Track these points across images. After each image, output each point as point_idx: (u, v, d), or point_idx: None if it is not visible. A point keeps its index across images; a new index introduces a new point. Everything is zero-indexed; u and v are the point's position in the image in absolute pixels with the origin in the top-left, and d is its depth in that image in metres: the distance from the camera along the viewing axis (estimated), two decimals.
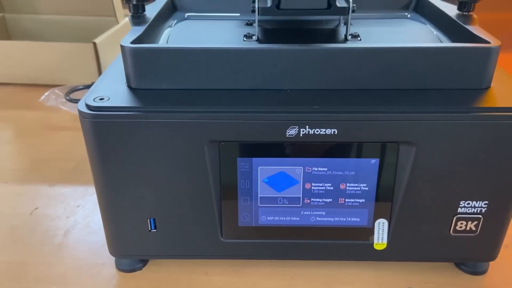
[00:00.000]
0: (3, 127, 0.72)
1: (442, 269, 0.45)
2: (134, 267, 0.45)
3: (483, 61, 0.37)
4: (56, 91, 0.79)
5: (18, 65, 0.83)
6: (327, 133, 0.37)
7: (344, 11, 0.41)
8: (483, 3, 0.46)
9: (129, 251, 0.44)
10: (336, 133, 0.37)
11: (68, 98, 0.77)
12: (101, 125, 0.37)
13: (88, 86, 0.81)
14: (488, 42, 0.38)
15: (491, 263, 0.46)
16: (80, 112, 0.37)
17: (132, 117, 0.36)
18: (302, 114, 0.36)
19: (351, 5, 0.41)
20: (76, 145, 0.67)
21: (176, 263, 0.46)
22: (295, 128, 0.37)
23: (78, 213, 0.53)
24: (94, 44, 0.80)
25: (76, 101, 0.77)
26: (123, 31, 0.92)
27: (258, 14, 0.41)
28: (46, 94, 0.79)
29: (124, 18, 0.96)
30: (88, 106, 0.36)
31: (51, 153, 0.65)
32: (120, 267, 0.45)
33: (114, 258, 0.46)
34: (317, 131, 0.37)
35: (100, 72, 0.82)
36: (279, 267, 0.45)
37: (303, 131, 0.37)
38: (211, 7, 0.54)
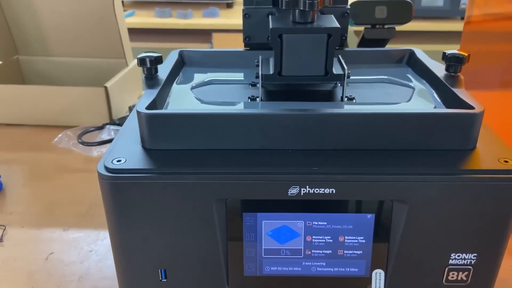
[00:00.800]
0: (18, 169, 0.76)
1: None
2: None
3: (468, 125, 0.41)
4: (68, 133, 0.83)
5: (33, 108, 0.88)
6: (325, 192, 0.40)
7: (340, 77, 0.45)
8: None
9: None
10: (334, 192, 0.40)
11: (80, 141, 0.81)
12: (119, 186, 0.40)
13: (99, 128, 0.85)
14: (473, 108, 0.41)
15: None
16: (100, 175, 0.40)
17: (147, 178, 0.40)
18: (302, 175, 0.39)
19: (346, 72, 0.45)
20: (87, 188, 0.70)
21: None
22: (297, 187, 0.40)
23: (91, 258, 0.56)
24: (105, 88, 0.85)
25: (87, 144, 0.80)
26: (132, 74, 0.96)
27: (262, 80, 0.45)
28: (59, 136, 0.83)
29: (133, 60, 1.00)
30: (107, 169, 0.40)
31: (64, 196, 0.69)
32: None
33: None
34: (317, 190, 0.40)
35: (110, 114, 0.86)
36: None
37: (303, 190, 0.40)
38: (215, 62, 0.59)
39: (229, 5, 2.22)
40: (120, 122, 0.85)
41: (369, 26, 0.63)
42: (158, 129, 0.41)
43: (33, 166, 0.77)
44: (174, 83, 0.53)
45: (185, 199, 0.40)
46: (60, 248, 0.58)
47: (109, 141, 0.80)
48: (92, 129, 0.85)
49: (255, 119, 0.41)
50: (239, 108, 0.47)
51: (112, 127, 0.83)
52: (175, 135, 0.41)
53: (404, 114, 0.41)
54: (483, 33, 0.71)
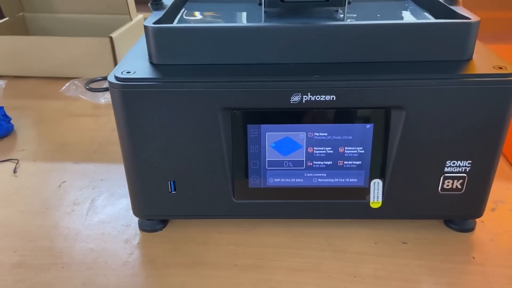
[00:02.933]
0: (28, 114, 0.78)
1: (432, 227, 0.50)
2: (155, 227, 0.50)
3: (464, 35, 0.42)
4: (76, 82, 0.85)
5: (39, 59, 0.89)
6: (326, 99, 0.42)
7: (341, 2, 0.46)
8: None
9: (151, 211, 0.49)
10: (334, 99, 0.42)
11: (87, 87, 0.82)
12: (127, 94, 0.42)
13: (105, 78, 0.86)
14: (469, 19, 0.43)
15: (478, 223, 0.50)
16: (110, 83, 0.42)
17: (154, 86, 0.42)
18: (304, 82, 0.41)
19: None
20: (96, 130, 0.72)
21: (193, 224, 0.51)
22: (299, 95, 0.42)
23: (103, 185, 0.58)
24: (111, 38, 0.86)
25: (95, 90, 0.82)
26: (136, 27, 0.97)
27: (265, 6, 0.46)
28: (67, 85, 0.84)
29: (137, 16, 1.01)
30: (117, 78, 0.42)
31: (74, 137, 0.71)
32: (143, 228, 0.50)
33: (137, 219, 0.51)
34: (318, 97, 0.42)
35: (116, 64, 0.88)
36: (285, 226, 0.50)
37: (305, 97, 0.42)
38: None
39: None
40: None
41: None
42: (165, 43, 0.43)
43: (42, 112, 0.79)
44: (180, 12, 0.54)
45: (191, 108, 0.42)
46: (73, 178, 0.60)
47: None
48: (99, 78, 0.87)
49: (259, 32, 0.42)
50: (243, 23, 0.48)
51: None
52: (182, 50, 0.43)
53: (402, 25, 0.42)
54: None
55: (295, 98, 0.42)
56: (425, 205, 0.47)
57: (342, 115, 0.44)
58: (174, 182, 0.47)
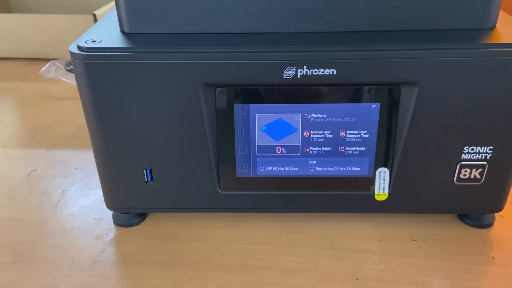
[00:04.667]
0: (4, 97, 0.72)
1: (445, 222, 0.44)
2: (131, 221, 0.45)
3: (486, 3, 0.36)
4: (57, 63, 0.79)
5: (19, 39, 0.83)
6: (325, 73, 0.36)
7: None
8: None
9: (126, 204, 0.43)
10: (335, 73, 0.36)
11: (68, 68, 0.76)
12: (92, 67, 0.36)
13: None
14: None
15: (497, 218, 0.44)
16: (72, 54, 0.36)
17: (124, 57, 0.35)
18: (299, 53, 0.35)
19: None
20: (76, 114, 0.66)
21: (174, 218, 0.45)
22: (293, 68, 0.35)
23: (77, 174, 0.53)
24: (94, 15, 0.80)
25: None
26: None
27: None
28: (46, 66, 0.78)
29: None
30: (79, 48, 0.36)
31: (51, 121, 0.65)
32: (118, 222, 0.45)
33: (111, 213, 0.45)
34: (315, 71, 0.35)
35: None
36: (279, 221, 0.44)
37: (300, 71, 0.36)
38: None
39: None
40: None
41: None
42: (137, 8, 0.37)
43: (19, 94, 0.73)
44: None
45: (167, 83, 0.36)
46: (44, 166, 0.54)
47: None
48: None
49: None
50: None
51: None
52: (157, 15, 0.37)
53: None
54: None
55: (289, 72, 0.36)
56: (438, 197, 0.41)
57: (343, 92, 0.37)
58: (150, 170, 0.41)
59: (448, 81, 0.36)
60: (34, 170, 0.53)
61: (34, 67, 0.81)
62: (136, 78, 0.36)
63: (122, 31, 0.38)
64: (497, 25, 0.37)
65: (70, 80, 0.75)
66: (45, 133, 0.61)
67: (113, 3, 0.87)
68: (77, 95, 0.70)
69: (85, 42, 0.36)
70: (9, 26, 0.82)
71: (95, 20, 0.80)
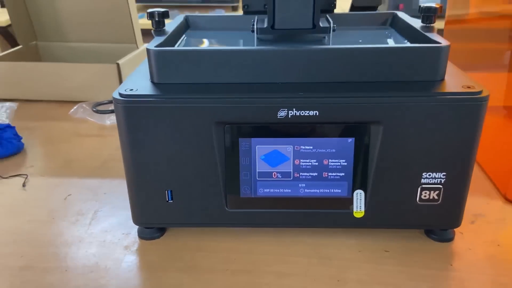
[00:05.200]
0: (38, 134, 0.82)
1: (414, 237, 0.53)
2: (153, 235, 0.54)
3: (436, 57, 0.47)
4: (84, 105, 0.90)
5: (50, 84, 0.95)
6: (310, 114, 0.46)
7: (326, 30, 0.51)
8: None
9: (150, 220, 0.52)
10: (317, 114, 0.46)
11: (94, 109, 0.87)
12: (130, 109, 0.46)
13: (111, 101, 0.91)
14: (440, 43, 0.47)
15: (457, 234, 0.53)
16: (114, 99, 0.46)
17: (154, 102, 0.46)
18: (289, 99, 0.45)
19: (331, 25, 0.51)
20: (101, 149, 0.77)
21: (188, 233, 0.54)
22: (285, 110, 0.46)
23: (106, 198, 0.62)
24: (118, 65, 0.92)
25: (101, 112, 0.87)
26: (141, 55, 1.03)
27: (257, 34, 0.51)
28: (75, 107, 0.89)
29: (143, 45, 1.08)
30: (120, 94, 0.46)
31: (80, 154, 0.75)
32: (142, 236, 0.54)
33: (136, 228, 0.54)
34: (302, 113, 0.46)
35: None
36: (275, 236, 0.53)
37: (291, 113, 0.46)
38: (217, 26, 0.65)
39: (234, 8, 2.31)
40: None
41: None
42: (165, 64, 0.48)
43: (51, 132, 0.83)
44: (180, 38, 0.59)
45: (187, 122, 0.47)
46: (77, 191, 0.64)
47: None
48: (105, 101, 0.92)
49: (251, 54, 0.47)
50: (237, 46, 0.53)
51: None
52: (180, 70, 0.48)
53: (380, 48, 0.47)
54: (459, 31, 0.78)
55: (282, 113, 0.46)
56: (405, 215, 0.50)
57: (325, 129, 0.48)
58: (171, 191, 0.50)
59: (406, 121, 0.46)
60: (69, 195, 0.63)
61: (64, 108, 0.92)
62: (163, 118, 0.46)
63: (152, 81, 0.49)
64: (445, 77, 0.48)
65: (96, 120, 0.86)
66: (76, 165, 0.72)
67: (134, 54, 0.99)
68: (102, 132, 0.81)
69: (125, 90, 0.47)
70: (42, 73, 0.94)
71: (118, 68, 0.92)
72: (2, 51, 2.17)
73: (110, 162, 0.72)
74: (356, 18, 0.65)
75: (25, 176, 0.68)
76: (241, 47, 0.50)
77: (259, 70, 0.47)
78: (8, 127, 0.76)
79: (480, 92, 0.45)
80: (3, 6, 2.14)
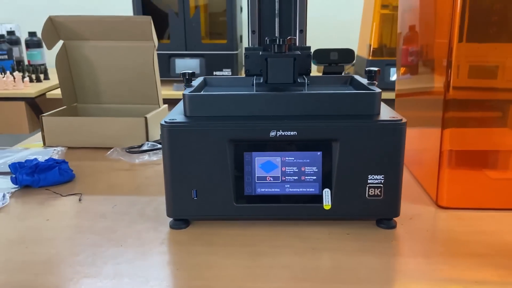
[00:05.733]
0: (82, 169, 1.05)
1: (368, 226, 0.74)
2: (180, 226, 0.75)
3: (372, 99, 0.71)
4: (118, 149, 1.14)
5: (90, 134, 1.19)
6: (291, 134, 0.69)
7: (302, 84, 0.77)
8: None
9: (180, 212, 0.74)
10: (296, 134, 0.69)
11: (127, 150, 1.11)
12: (171, 131, 0.70)
13: (139, 146, 1.15)
14: (375, 91, 0.72)
15: (398, 225, 0.74)
16: (161, 125, 0.70)
17: (186, 126, 0.70)
18: (277, 123, 0.69)
19: (306, 81, 0.77)
20: (134, 178, 0.99)
21: (206, 225, 0.75)
22: (274, 131, 0.70)
23: (144, 206, 0.83)
24: (145, 118, 1.17)
25: (133, 152, 1.11)
26: (162, 112, 1.29)
27: (256, 87, 0.77)
28: (111, 150, 1.13)
29: (163, 105, 1.34)
30: (165, 122, 0.70)
31: (118, 182, 0.97)
32: (173, 226, 0.75)
33: (168, 222, 0.75)
34: (286, 133, 0.69)
35: (147, 137, 1.17)
36: (270, 226, 0.74)
37: (279, 133, 0.70)
38: (227, 83, 0.91)
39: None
40: (155, 142, 1.16)
41: (327, 64, 0.96)
42: (194, 103, 0.72)
43: (93, 168, 1.06)
44: (202, 89, 0.84)
45: (208, 140, 0.70)
46: (121, 204, 0.85)
47: (148, 150, 1.11)
48: (135, 146, 1.15)
49: (252, 97, 0.72)
50: (240, 92, 0.78)
51: (150, 142, 1.14)
52: (204, 107, 0.72)
53: (336, 93, 0.72)
54: (405, 100, 1.06)
55: (273, 133, 0.70)
56: (359, 207, 0.72)
57: (302, 145, 0.71)
58: (196, 191, 0.72)
59: (355, 139, 0.69)
60: (115, 205, 0.84)
61: (101, 152, 1.15)
62: (192, 138, 0.70)
63: (185, 115, 0.73)
64: (380, 111, 0.72)
65: (127, 159, 1.09)
66: (115, 188, 0.93)
67: (157, 111, 1.24)
68: (133, 168, 1.04)
69: (168, 119, 0.71)
70: (83, 126, 1.19)
71: (146, 121, 1.17)
72: (28, 122, 2.45)
73: (141, 187, 0.94)
74: (326, 78, 0.91)
75: (80, 194, 0.90)
76: (245, 92, 0.74)
77: (257, 107, 0.72)
78: (63, 162, 0.99)
79: (401, 120, 0.69)
80: (31, 81, 2.45)
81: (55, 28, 1.27)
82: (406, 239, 0.71)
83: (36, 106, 2.51)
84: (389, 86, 2.23)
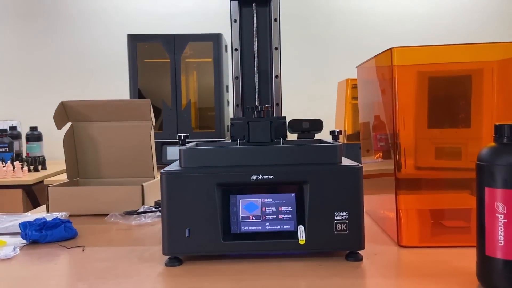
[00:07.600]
0: (84, 230, 1.15)
1: (338, 260, 0.85)
2: (174, 264, 0.85)
3: (334, 150, 0.87)
4: (115, 214, 1.25)
5: (91, 202, 1.31)
6: (269, 178, 0.84)
7: (278, 142, 0.93)
8: None
9: (174, 250, 0.84)
10: (273, 178, 0.84)
11: (125, 213, 1.22)
12: (168, 178, 0.84)
13: (135, 210, 1.27)
14: (337, 143, 0.88)
15: (365, 260, 0.86)
16: (161, 173, 0.85)
17: (181, 173, 0.84)
18: (257, 167, 0.84)
19: (282, 141, 0.93)
20: (131, 235, 1.09)
21: (196, 261, 0.85)
22: (255, 175, 0.84)
23: (142, 253, 0.94)
24: (142, 186, 1.30)
25: (129, 213, 1.22)
26: (158, 183, 1.42)
27: (240, 144, 0.93)
28: (109, 215, 1.24)
29: (158, 176, 1.48)
30: (164, 171, 0.85)
31: (117, 238, 1.08)
32: (167, 264, 0.85)
33: (163, 258, 0.86)
34: (264, 177, 0.84)
35: (143, 203, 1.30)
36: (253, 262, 0.85)
37: (258, 177, 0.84)
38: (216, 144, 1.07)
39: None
40: (150, 207, 1.28)
41: (300, 132, 1.13)
42: (189, 156, 0.87)
43: (94, 228, 1.16)
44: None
45: (199, 183, 0.84)
46: (121, 251, 0.95)
47: (143, 212, 1.23)
48: (132, 211, 1.27)
49: (235, 150, 0.87)
50: (227, 146, 0.93)
51: (145, 206, 1.26)
52: (196, 158, 0.87)
53: (308, 146, 0.88)
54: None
55: (253, 178, 0.84)
56: (329, 241, 0.84)
57: (278, 187, 0.85)
58: (189, 230, 0.84)
59: (322, 182, 0.84)
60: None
61: (100, 218, 1.26)
62: (185, 183, 0.84)
63: (181, 166, 0.88)
64: (342, 160, 0.88)
65: (125, 221, 1.20)
66: (116, 242, 1.04)
67: (152, 181, 1.38)
68: (129, 228, 1.16)
69: (167, 169, 0.85)
70: (84, 194, 1.31)
71: (143, 189, 1.30)
72: (22, 209, 2.53)
73: (139, 240, 1.05)
74: (299, 141, 1.08)
75: (83, 246, 1.00)
76: (231, 146, 0.90)
77: (240, 158, 0.87)
78: (68, 221, 1.10)
79: (358, 165, 0.85)
80: (29, 171, 2.59)
81: (66, 111, 1.45)
82: (372, 267, 0.82)
83: (33, 194, 2.62)
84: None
